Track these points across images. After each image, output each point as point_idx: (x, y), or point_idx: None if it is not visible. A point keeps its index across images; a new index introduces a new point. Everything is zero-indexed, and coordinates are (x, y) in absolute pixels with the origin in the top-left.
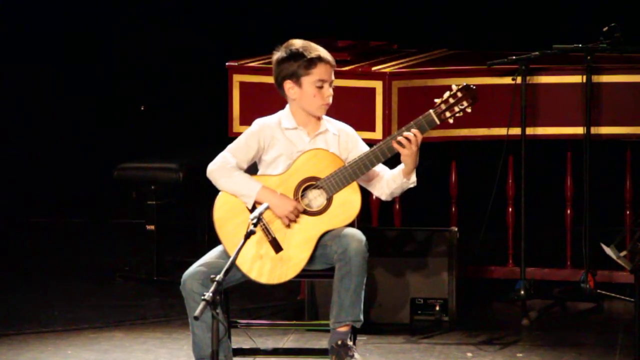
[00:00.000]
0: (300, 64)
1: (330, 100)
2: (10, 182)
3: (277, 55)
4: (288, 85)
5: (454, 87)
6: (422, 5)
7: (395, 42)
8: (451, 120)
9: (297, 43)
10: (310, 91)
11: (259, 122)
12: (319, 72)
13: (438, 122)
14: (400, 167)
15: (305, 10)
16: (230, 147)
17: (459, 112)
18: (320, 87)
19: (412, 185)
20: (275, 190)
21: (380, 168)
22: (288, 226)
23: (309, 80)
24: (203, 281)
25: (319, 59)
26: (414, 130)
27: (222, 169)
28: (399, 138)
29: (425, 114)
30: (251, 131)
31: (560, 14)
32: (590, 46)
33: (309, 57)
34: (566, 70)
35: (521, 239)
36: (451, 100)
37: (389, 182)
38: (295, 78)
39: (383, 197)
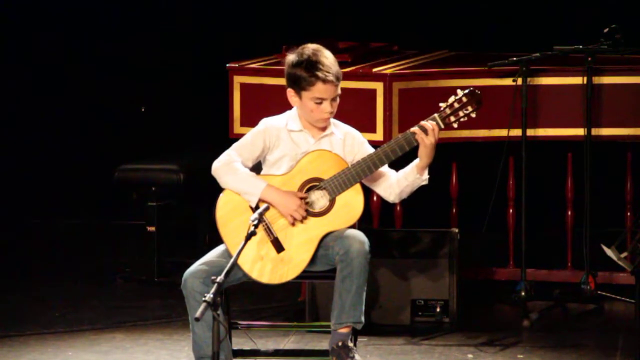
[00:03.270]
0: (302, 77)
1: (330, 115)
2: (10, 184)
3: (288, 58)
4: (290, 93)
5: (459, 92)
6: (422, 6)
7: (396, 44)
8: (455, 125)
9: (307, 52)
10: (308, 105)
11: (265, 122)
12: (318, 90)
13: (442, 126)
14: (414, 163)
15: (305, 11)
16: (235, 145)
17: (463, 117)
18: (319, 103)
19: (424, 183)
20: (280, 189)
21: (385, 169)
22: (293, 225)
23: (307, 96)
24: (204, 280)
25: (320, 79)
26: (432, 123)
27: (226, 167)
28: (422, 122)
29: (430, 117)
30: (257, 130)
31: (561, 15)
32: (591, 47)
33: (309, 75)
34: (567, 71)
35: (522, 240)
36: (456, 105)
37: (400, 180)
38: (297, 89)
39: (391, 198)
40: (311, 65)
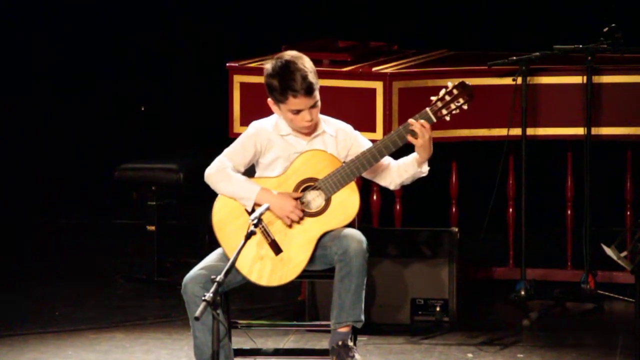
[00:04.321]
0: (276, 89)
1: (310, 123)
2: (10, 183)
3: (265, 66)
4: (270, 102)
5: (450, 85)
6: (422, 5)
7: (396, 43)
8: (448, 118)
9: (280, 63)
10: (287, 115)
11: (255, 125)
12: (292, 103)
13: (434, 120)
14: (413, 156)
15: (305, 11)
16: (227, 150)
17: (455, 109)
18: (297, 114)
19: (424, 175)
20: (274, 192)
21: (383, 159)
22: (290, 226)
23: (284, 107)
24: (204, 285)
25: (290, 94)
26: (421, 121)
27: (219, 173)
28: (412, 127)
29: (422, 112)
30: (248, 134)
31: (561, 14)
32: (591, 47)
33: (281, 89)
34: (567, 70)
35: (522, 240)
36: (447, 98)
37: (400, 171)
38: (274, 99)
39: (392, 187)
40: (282, 79)
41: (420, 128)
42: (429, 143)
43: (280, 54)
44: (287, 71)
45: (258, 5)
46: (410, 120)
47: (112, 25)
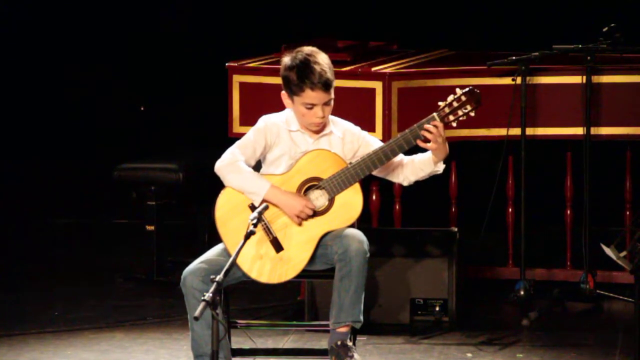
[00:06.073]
0: (293, 82)
1: (321, 120)
2: (10, 183)
3: (283, 60)
4: (284, 95)
5: (458, 91)
6: (422, 5)
7: (395, 43)
8: (454, 124)
9: (300, 56)
10: (299, 110)
11: (265, 120)
12: (308, 96)
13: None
14: (429, 154)
15: (305, 10)
16: (238, 143)
17: (462, 115)
18: (310, 108)
19: (439, 172)
20: (283, 189)
21: (395, 157)
22: (300, 224)
23: (299, 101)
24: (204, 278)
25: (308, 86)
26: (434, 122)
27: (230, 165)
28: (422, 132)
29: (429, 117)
30: (257, 128)
31: (561, 14)
32: (591, 46)
33: (299, 81)
34: (566, 70)
35: (521, 239)
36: (455, 104)
37: (416, 169)
38: (289, 92)
39: (405, 183)
40: (301, 71)
41: (434, 130)
42: (443, 145)
43: (298, 48)
44: (306, 64)
45: (258, 5)
46: (425, 125)
47: (112, 24)
